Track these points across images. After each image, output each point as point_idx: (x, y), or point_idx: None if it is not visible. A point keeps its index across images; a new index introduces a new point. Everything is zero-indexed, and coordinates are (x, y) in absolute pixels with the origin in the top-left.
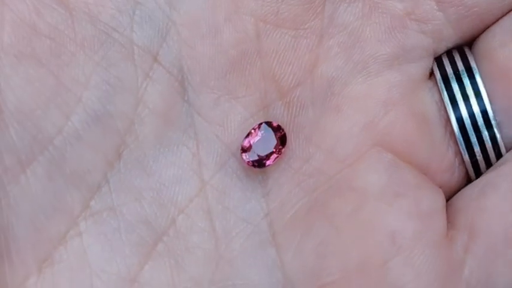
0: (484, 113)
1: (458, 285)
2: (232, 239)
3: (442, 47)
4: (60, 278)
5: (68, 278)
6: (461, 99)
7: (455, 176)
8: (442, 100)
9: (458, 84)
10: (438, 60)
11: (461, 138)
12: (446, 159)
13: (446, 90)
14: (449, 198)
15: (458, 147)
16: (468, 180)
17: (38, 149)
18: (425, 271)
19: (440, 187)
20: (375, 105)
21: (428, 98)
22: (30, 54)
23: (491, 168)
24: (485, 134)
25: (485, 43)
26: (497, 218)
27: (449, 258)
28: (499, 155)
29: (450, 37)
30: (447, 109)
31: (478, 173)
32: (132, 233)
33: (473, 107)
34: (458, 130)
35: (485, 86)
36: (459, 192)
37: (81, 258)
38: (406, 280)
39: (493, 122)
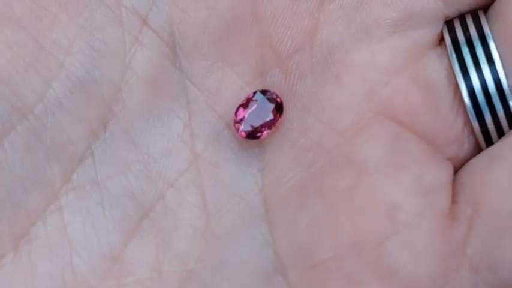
0: (497, 79)
1: (460, 265)
2: (223, 215)
3: (454, 11)
4: (38, 255)
5: (47, 255)
6: (473, 66)
7: (464, 147)
8: (451, 67)
9: (469, 50)
10: (449, 24)
11: (472, 107)
12: (454, 130)
13: (457, 57)
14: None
15: (467, 116)
16: (479, 152)
17: (17, 118)
18: (425, 251)
19: (449, 159)
20: (376, 73)
21: (436, 64)
22: (8, 17)
23: (502, 138)
24: (498, 101)
25: (501, 5)
26: (503, 193)
27: (452, 236)
28: (511, 123)
29: (464, 1)
30: (456, 76)
31: (490, 143)
32: (116, 208)
33: (485, 74)
34: (469, 98)
35: (498, 52)
36: (466, 164)
37: (60, 235)
38: (404, 262)
39: (505, 88)
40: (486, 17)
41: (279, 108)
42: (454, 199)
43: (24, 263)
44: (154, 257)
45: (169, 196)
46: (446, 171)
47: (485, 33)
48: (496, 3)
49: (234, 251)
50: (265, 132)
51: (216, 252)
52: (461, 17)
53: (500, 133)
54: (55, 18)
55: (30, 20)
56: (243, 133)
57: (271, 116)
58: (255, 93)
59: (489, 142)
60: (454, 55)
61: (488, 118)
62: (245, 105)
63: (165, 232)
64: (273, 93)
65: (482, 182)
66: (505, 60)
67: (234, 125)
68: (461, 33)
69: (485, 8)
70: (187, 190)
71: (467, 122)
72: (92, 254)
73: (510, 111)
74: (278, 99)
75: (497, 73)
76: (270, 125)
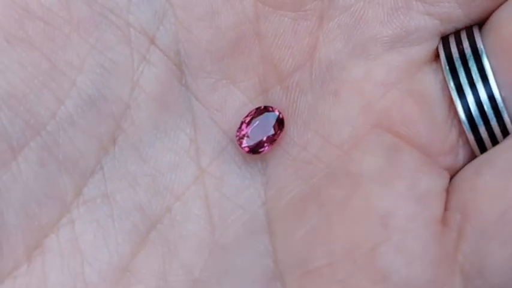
0: (490, 94)
1: (452, 271)
2: (227, 227)
3: (451, 28)
4: (50, 266)
5: (59, 266)
6: (467, 82)
7: (459, 157)
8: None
9: (463, 66)
10: (444, 40)
11: (466, 121)
12: (449, 140)
13: (451, 73)
14: None
15: (462, 127)
16: None
17: (30, 134)
18: (418, 257)
19: (445, 169)
20: (372, 87)
21: (432, 78)
22: (22, 38)
23: (495, 147)
24: (491, 114)
25: (493, 19)
26: (491, 199)
27: (444, 242)
28: (505, 135)
29: (459, 19)
30: (451, 92)
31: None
32: (126, 220)
33: (478, 89)
34: (463, 113)
35: (491, 64)
36: (459, 171)
37: (72, 246)
38: (396, 267)
39: (499, 101)
40: (480, 32)
41: (280, 124)
42: (446, 206)
43: (37, 273)
44: (161, 266)
45: (176, 209)
46: (441, 180)
47: (479, 49)
48: (489, 19)
49: (236, 260)
50: (267, 147)
51: (220, 261)
52: (456, 33)
53: (495, 143)
54: (67, 38)
55: (43, 41)
56: (246, 148)
57: (272, 131)
58: (257, 109)
59: (484, 151)
60: (448, 71)
61: (482, 130)
62: (248, 120)
63: (172, 243)
64: (274, 109)
65: (471, 188)
66: (497, 73)
67: (238, 140)
68: (456, 49)
69: (481, 25)
70: (193, 203)
71: (462, 132)
72: (102, 265)
73: (504, 123)
74: (280, 115)
75: (490, 87)
76: (271, 140)
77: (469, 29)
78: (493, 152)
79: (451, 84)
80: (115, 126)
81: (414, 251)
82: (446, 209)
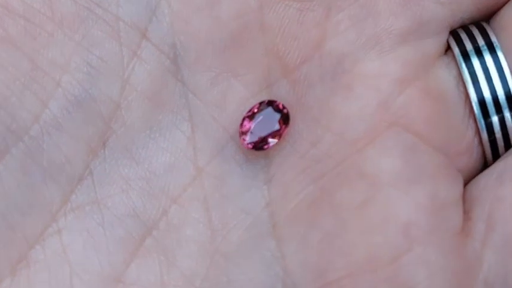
0: (507, 89)
1: (475, 282)
2: (229, 231)
3: (458, 20)
4: (36, 280)
5: (46, 279)
6: (483, 75)
7: (473, 157)
8: (460, 75)
9: (479, 59)
10: (455, 35)
11: (481, 116)
12: (465, 140)
13: (466, 66)
14: (467, 182)
15: (477, 127)
16: (484, 162)
17: (12, 140)
18: (440, 269)
19: (459, 170)
20: (388, 84)
21: (446, 74)
22: (2, 37)
23: (509, 151)
24: (507, 111)
25: (506, 16)
26: None
27: (466, 253)
28: None
29: (468, 9)
30: (466, 86)
31: (496, 154)
32: (118, 227)
33: (494, 84)
34: (478, 107)
35: (507, 61)
36: (475, 179)
37: (60, 258)
38: (419, 279)
39: None
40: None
41: (285, 119)
42: (467, 215)
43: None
44: (158, 277)
45: (173, 212)
46: (458, 186)
47: (494, 43)
48: (499, 16)
49: (241, 268)
50: (271, 143)
51: (223, 270)
52: (466, 28)
53: (507, 143)
54: (50, 36)
55: (24, 40)
56: (249, 144)
57: (277, 127)
58: (260, 103)
59: (495, 152)
60: (463, 64)
61: (496, 127)
62: (250, 116)
63: (169, 250)
64: (279, 103)
65: (494, 198)
66: None
67: (240, 137)
68: (469, 43)
69: (485, 18)
70: (191, 206)
71: (477, 132)
72: (93, 276)
73: None
74: (284, 110)
75: (507, 83)
76: (276, 135)
77: (478, 24)
78: (511, 162)
79: (467, 77)
80: (105, 127)
81: (436, 262)
82: (468, 219)
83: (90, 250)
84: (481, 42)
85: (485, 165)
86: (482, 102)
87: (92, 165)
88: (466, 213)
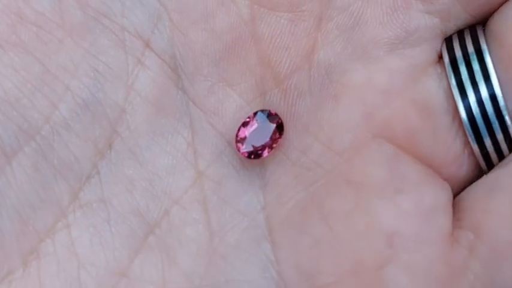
0: (494, 100)
1: None
2: (227, 233)
3: (452, 27)
4: (46, 271)
5: (55, 271)
6: (470, 85)
7: (463, 168)
8: (449, 86)
9: (467, 68)
10: (448, 41)
11: (470, 129)
12: (452, 151)
13: (454, 76)
14: (459, 191)
15: (467, 138)
16: (480, 172)
17: (24, 139)
18: (425, 276)
19: (446, 180)
20: (374, 95)
21: (435, 84)
22: (15, 42)
23: (502, 162)
24: (496, 123)
25: (497, 25)
26: (503, 221)
27: (453, 260)
28: (511, 145)
29: (459, 15)
30: (454, 96)
31: (490, 164)
32: (123, 224)
33: (482, 94)
34: (467, 120)
35: (496, 71)
36: (468, 188)
37: (68, 251)
38: (404, 287)
39: (503, 110)
40: (484, 32)
41: (279, 128)
42: (458, 224)
43: (32, 279)
44: (160, 273)
45: (174, 213)
46: (444, 193)
47: (483, 51)
48: (492, 22)
49: (237, 269)
50: (266, 152)
51: (221, 270)
52: (460, 33)
53: (499, 153)
54: (60, 42)
55: (36, 45)
56: (245, 153)
57: (272, 136)
58: (256, 113)
59: (489, 162)
60: (452, 75)
61: (487, 140)
62: (246, 124)
63: (170, 248)
64: (274, 113)
65: (483, 209)
66: (502, 82)
67: (236, 144)
68: (459, 50)
69: (483, 21)
70: (191, 207)
71: (467, 143)
72: (99, 270)
73: (509, 133)
74: (279, 120)
75: (494, 92)
76: (270, 145)
77: (472, 30)
78: (502, 174)
79: (454, 87)
80: (110, 130)
81: (421, 270)
82: (458, 226)
83: (96, 245)
84: (470, 49)
85: (482, 172)
86: (470, 114)
87: (99, 165)
88: (457, 221)
